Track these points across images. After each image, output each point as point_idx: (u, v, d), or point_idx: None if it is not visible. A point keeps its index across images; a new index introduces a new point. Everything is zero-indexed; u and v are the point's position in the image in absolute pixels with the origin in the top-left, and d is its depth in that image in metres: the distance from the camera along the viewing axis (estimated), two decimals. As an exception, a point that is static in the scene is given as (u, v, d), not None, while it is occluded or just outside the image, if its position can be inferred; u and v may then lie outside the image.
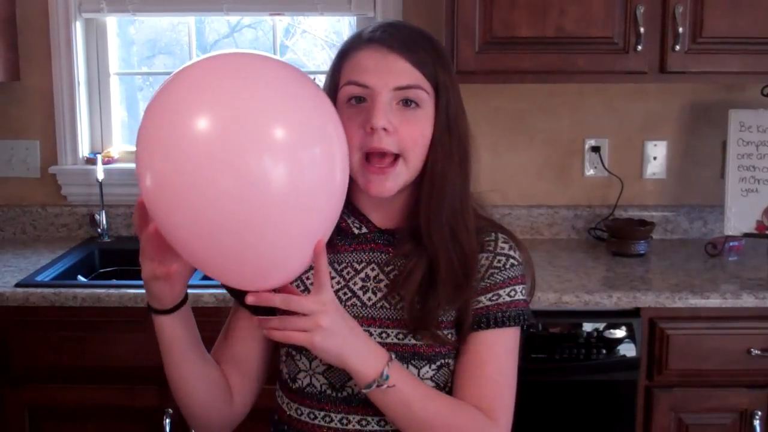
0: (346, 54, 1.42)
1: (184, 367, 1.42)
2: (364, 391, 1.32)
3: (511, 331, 1.45)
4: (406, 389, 1.34)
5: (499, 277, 1.45)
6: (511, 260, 1.47)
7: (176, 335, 1.40)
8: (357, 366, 1.30)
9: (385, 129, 1.35)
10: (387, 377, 1.31)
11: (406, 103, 1.38)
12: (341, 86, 1.40)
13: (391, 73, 1.36)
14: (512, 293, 1.45)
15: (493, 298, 1.43)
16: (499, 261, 1.45)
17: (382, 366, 1.31)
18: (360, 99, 1.38)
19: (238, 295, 1.51)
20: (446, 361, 1.44)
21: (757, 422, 2.36)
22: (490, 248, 1.46)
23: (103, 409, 2.42)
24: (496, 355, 1.44)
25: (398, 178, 1.39)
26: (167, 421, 2.37)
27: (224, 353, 1.53)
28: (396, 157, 1.38)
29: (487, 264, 1.45)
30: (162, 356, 1.42)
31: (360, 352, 1.31)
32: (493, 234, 1.48)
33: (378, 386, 1.31)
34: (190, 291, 2.35)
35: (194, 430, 1.53)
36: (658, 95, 2.97)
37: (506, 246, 1.48)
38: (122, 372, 2.39)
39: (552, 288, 2.37)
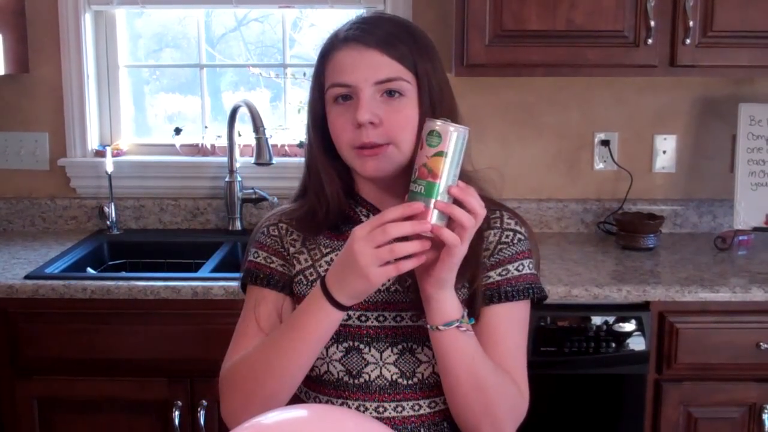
0: (326, 55, 1.46)
1: (313, 358, 1.40)
2: (441, 328, 1.33)
3: (521, 304, 1.49)
4: (474, 340, 1.37)
5: (508, 252, 1.50)
6: (518, 235, 1.52)
7: (335, 327, 1.37)
8: (448, 300, 1.33)
9: (371, 123, 1.39)
10: (472, 320, 1.35)
11: (390, 93, 1.41)
12: (326, 89, 1.45)
13: (370, 69, 1.41)
14: (520, 267, 1.50)
15: (503, 273, 1.48)
16: (506, 236, 1.51)
17: (461, 309, 1.35)
18: (346, 97, 1.42)
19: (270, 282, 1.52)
20: None
21: (766, 416, 2.36)
22: (497, 225, 1.52)
23: (112, 402, 2.42)
24: (511, 328, 1.48)
25: (391, 159, 1.43)
26: (176, 413, 2.37)
27: None
28: (387, 144, 1.42)
29: (495, 240, 1.50)
30: (299, 349, 1.38)
31: (452, 290, 1.34)
32: (497, 212, 1.54)
33: (458, 326, 1.33)
34: (198, 284, 2.38)
35: (237, 417, 1.50)
36: (668, 89, 2.97)
37: (512, 222, 1.54)
38: (131, 364, 2.39)
39: (561, 281, 2.37)
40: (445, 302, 1.32)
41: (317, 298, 1.32)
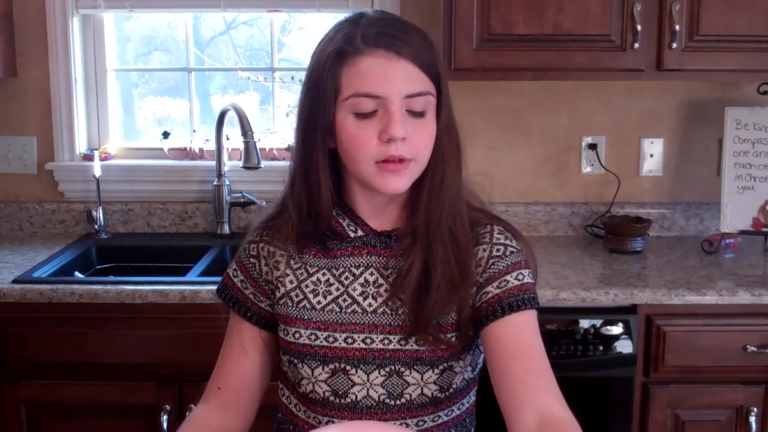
0: (345, 57, 1.35)
1: None
2: None
3: (530, 314, 1.41)
4: None
5: (502, 264, 1.43)
6: (510, 248, 1.45)
7: None
8: None
9: (402, 138, 1.34)
10: None
11: (414, 113, 1.36)
12: (347, 97, 1.35)
13: (402, 81, 1.34)
14: (519, 277, 1.42)
15: (501, 285, 1.40)
16: (497, 250, 1.44)
17: None
18: (370, 112, 1.35)
19: (236, 306, 1.53)
20: (449, 364, 1.42)
21: (752, 418, 2.37)
22: (486, 240, 1.45)
23: (100, 406, 2.41)
24: (532, 337, 1.40)
25: (412, 175, 1.40)
26: (164, 417, 2.37)
27: (242, 375, 1.54)
28: (410, 159, 1.38)
29: (486, 255, 1.43)
30: None
31: None
32: (488, 226, 1.48)
33: None
34: (187, 288, 2.38)
35: None
36: (655, 93, 2.98)
37: (502, 237, 1.46)
38: (120, 368, 2.39)
39: (549, 285, 2.38)
40: None
41: None
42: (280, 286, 1.48)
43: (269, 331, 1.53)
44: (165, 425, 2.37)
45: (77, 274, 2.69)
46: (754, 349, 2.34)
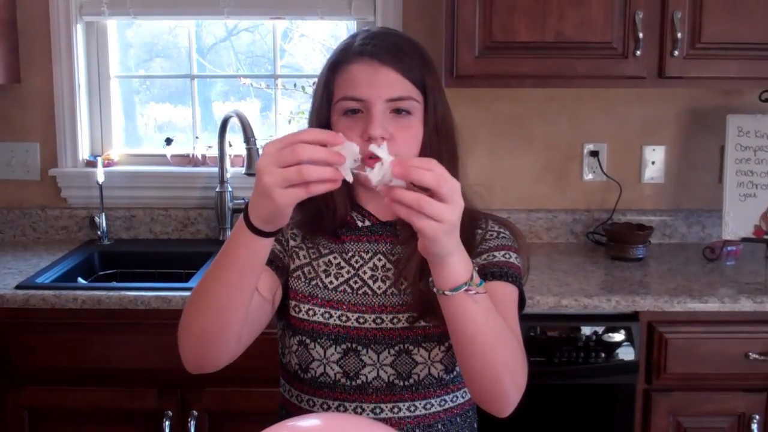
0: (337, 66, 1.49)
1: (244, 291, 1.30)
2: (447, 293, 1.23)
3: (510, 287, 1.48)
4: (486, 302, 1.27)
5: (493, 243, 1.53)
6: (502, 234, 1.56)
7: (261, 258, 1.28)
8: (450, 265, 1.21)
9: (382, 137, 1.42)
10: (481, 283, 1.24)
11: (399, 111, 1.45)
12: (336, 101, 1.47)
13: (383, 86, 1.44)
14: (506, 256, 1.51)
15: (488, 258, 1.50)
16: (490, 234, 1.55)
17: (471, 270, 1.24)
18: (355, 110, 1.45)
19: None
20: None
21: (755, 426, 2.37)
22: (482, 227, 1.56)
23: (102, 411, 2.42)
24: (505, 305, 1.42)
25: None
26: (167, 423, 2.37)
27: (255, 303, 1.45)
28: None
29: (479, 238, 1.54)
30: (223, 278, 1.29)
31: (458, 250, 1.22)
32: (483, 220, 1.58)
33: (467, 290, 1.22)
34: (189, 294, 2.37)
35: (193, 363, 1.44)
36: (657, 100, 2.99)
37: (496, 226, 1.57)
38: (122, 374, 2.39)
39: (551, 291, 2.38)
40: (445, 267, 1.21)
41: (241, 222, 1.25)
42: (295, 257, 1.54)
43: (280, 278, 1.50)
44: (167, 431, 2.37)
45: (80, 280, 2.69)
46: (756, 356, 2.34)
